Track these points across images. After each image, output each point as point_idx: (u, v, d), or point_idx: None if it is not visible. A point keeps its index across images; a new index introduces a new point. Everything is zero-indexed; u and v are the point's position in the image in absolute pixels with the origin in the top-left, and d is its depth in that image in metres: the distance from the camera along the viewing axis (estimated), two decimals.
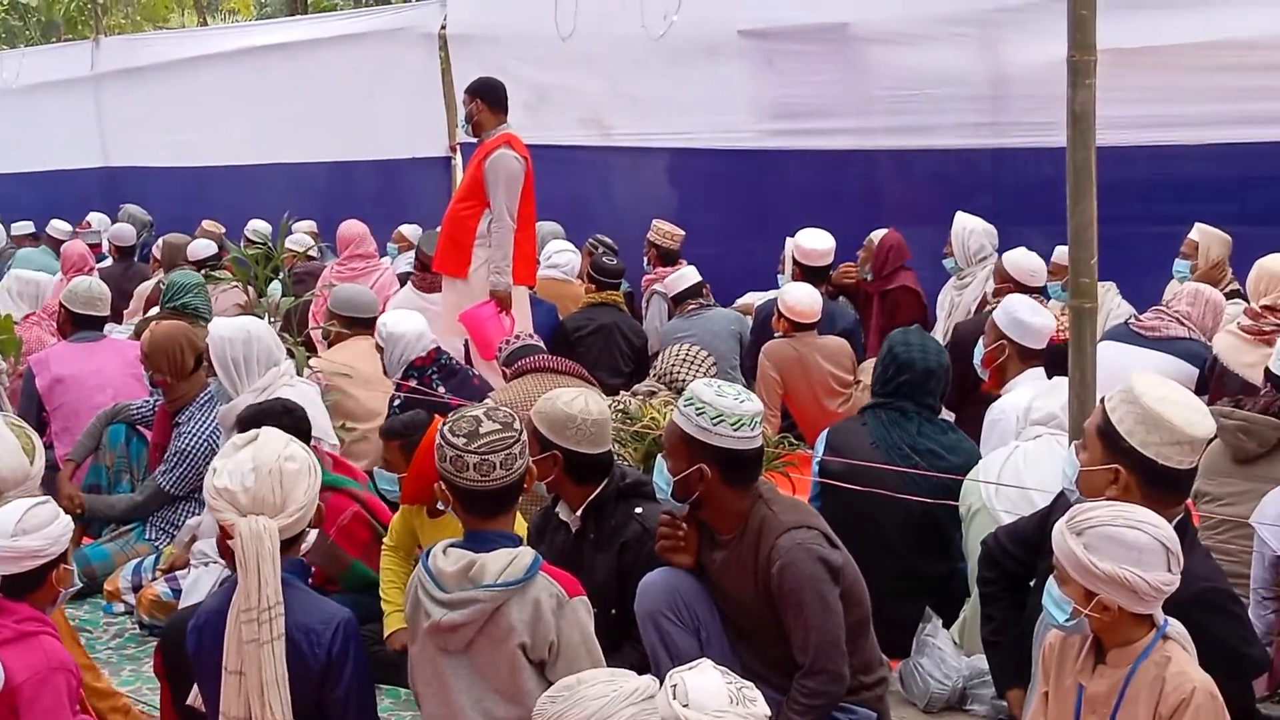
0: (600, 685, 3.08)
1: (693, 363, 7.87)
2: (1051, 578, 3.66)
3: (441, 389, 7.09)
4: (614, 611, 4.77)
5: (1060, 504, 4.26)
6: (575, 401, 4.91)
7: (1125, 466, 3.97)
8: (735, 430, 4.35)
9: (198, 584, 5.85)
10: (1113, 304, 8.68)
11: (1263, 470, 5.23)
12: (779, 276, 9.99)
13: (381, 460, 5.73)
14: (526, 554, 4.00)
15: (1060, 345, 6.09)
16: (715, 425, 4.34)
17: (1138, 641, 3.58)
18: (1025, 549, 4.48)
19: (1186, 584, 3.62)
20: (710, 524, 4.56)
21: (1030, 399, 5.70)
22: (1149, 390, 4.01)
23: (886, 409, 5.72)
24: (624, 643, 4.78)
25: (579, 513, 4.97)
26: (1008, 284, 8.18)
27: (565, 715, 3.05)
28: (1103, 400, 4.12)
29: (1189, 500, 4.26)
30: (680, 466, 4.43)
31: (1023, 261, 8.29)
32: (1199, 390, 6.74)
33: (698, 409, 4.37)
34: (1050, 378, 6.03)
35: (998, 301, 7.78)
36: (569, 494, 4.98)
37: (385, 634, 5.43)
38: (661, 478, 4.50)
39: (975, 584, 4.98)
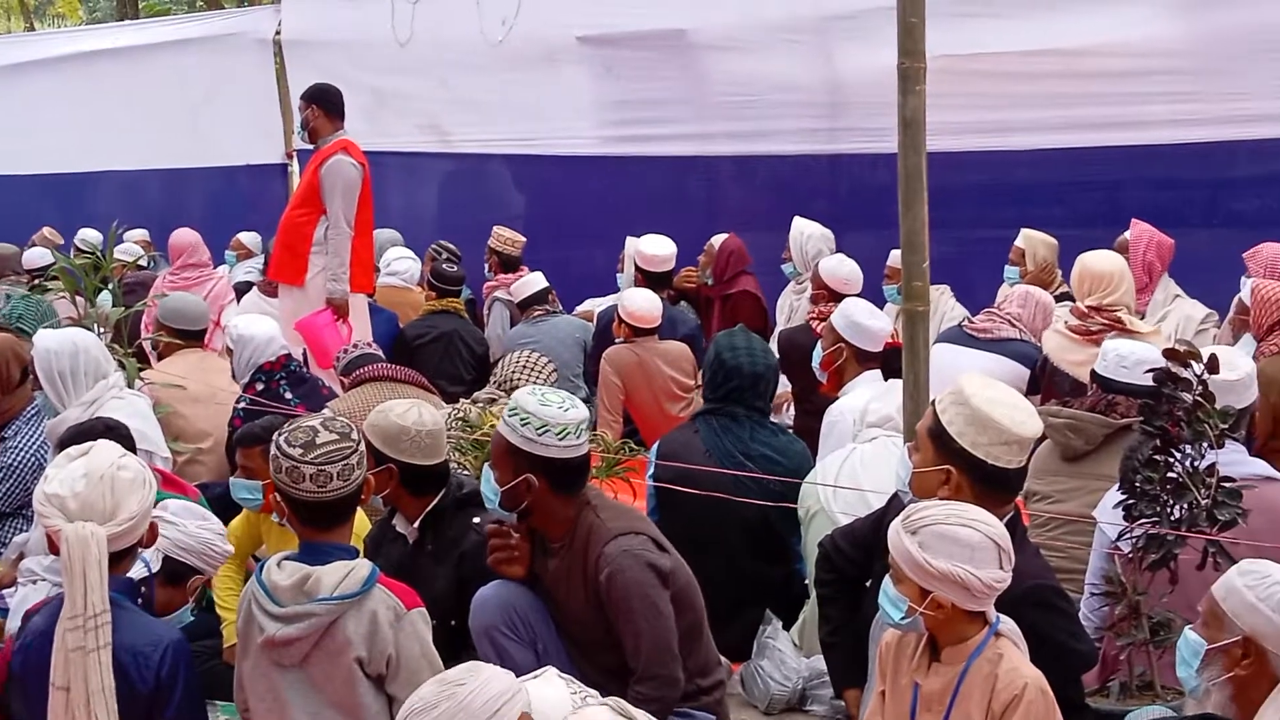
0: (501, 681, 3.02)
1: (533, 369, 7.86)
2: (887, 577, 3.70)
3: (289, 395, 6.99)
4: (453, 623, 4.73)
5: (894, 505, 4.32)
6: (408, 413, 4.86)
7: (957, 467, 4.04)
8: (561, 440, 4.34)
9: (25, 602, 5.67)
10: (947, 306, 8.83)
11: (1090, 468, 5.34)
12: (618, 276, 10.04)
13: (240, 470, 5.59)
14: (364, 566, 3.95)
15: (897, 348, 6.19)
16: (541, 435, 4.32)
17: (971, 639, 3.63)
18: (860, 550, 4.52)
19: (1017, 581, 3.68)
20: (540, 531, 4.54)
21: (867, 401, 5.76)
22: (978, 392, 4.08)
23: (717, 415, 5.74)
24: (463, 654, 4.72)
25: (416, 524, 4.92)
26: (823, 291, 8.26)
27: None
28: (934, 402, 4.18)
29: (1019, 499, 4.33)
30: (507, 477, 4.40)
31: (837, 270, 8.37)
32: (1030, 390, 6.88)
33: (522, 419, 4.34)
34: (886, 380, 6.10)
35: (817, 310, 7.91)
36: (405, 506, 4.93)
37: (225, 645, 5.32)
38: (489, 488, 4.47)
39: (813, 585, 5.02)
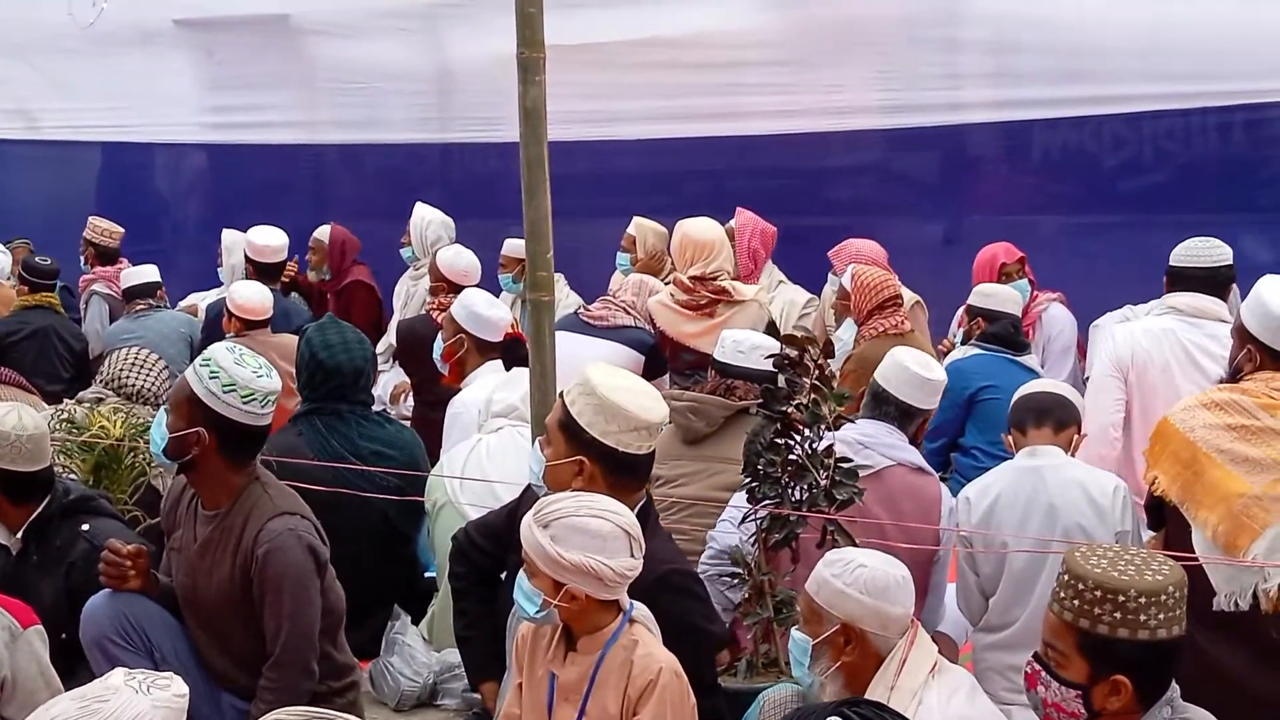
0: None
1: (142, 366, 7.47)
2: (521, 571, 3.69)
3: None
4: (65, 636, 4.48)
5: (528, 497, 4.30)
6: (7, 417, 4.59)
7: (589, 457, 4.06)
8: (245, 403, 4.21)
9: None
10: (562, 294, 8.89)
11: (711, 450, 5.45)
12: (219, 270, 9.78)
13: None
14: None
15: (517, 337, 6.20)
16: (225, 393, 4.19)
17: (606, 628, 3.65)
18: (495, 543, 4.50)
19: (651, 567, 3.73)
20: (198, 492, 4.40)
21: (491, 391, 5.75)
22: (604, 381, 4.12)
23: (320, 414, 5.58)
24: (78, 667, 4.49)
25: (19, 534, 4.65)
26: (442, 283, 8.19)
27: None
28: (561, 395, 4.20)
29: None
30: (179, 425, 4.25)
31: (455, 262, 8.30)
32: (646, 376, 7.01)
33: (212, 372, 4.21)
34: (508, 369, 6.10)
35: (436, 301, 7.85)
36: (6, 515, 4.65)
37: None
38: (158, 431, 4.32)
39: (445, 579, 4.97)
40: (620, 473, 4.08)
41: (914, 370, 5.05)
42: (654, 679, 3.58)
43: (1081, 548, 3.29)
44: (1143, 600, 3.06)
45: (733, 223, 8.55)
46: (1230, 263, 6.03)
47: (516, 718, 3.83)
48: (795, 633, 3.81)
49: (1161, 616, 3.07)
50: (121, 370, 6.38)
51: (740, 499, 4.74)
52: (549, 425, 4.22)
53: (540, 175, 4.65)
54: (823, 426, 4.50)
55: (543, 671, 3.75)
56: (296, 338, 8.19)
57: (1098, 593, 3.08)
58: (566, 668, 3.70)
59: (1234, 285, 6.22)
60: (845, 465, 4.51)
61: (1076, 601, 3.10)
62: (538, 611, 3.64)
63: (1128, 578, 3.09)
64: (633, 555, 3.60)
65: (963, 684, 3.77)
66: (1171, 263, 6.14)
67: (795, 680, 3.94)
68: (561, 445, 4.12)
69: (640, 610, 3.71)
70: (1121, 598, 3.06)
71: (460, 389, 6.22)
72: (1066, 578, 3.15)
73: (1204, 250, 6.02)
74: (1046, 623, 3.22)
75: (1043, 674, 3.18)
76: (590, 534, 3.55)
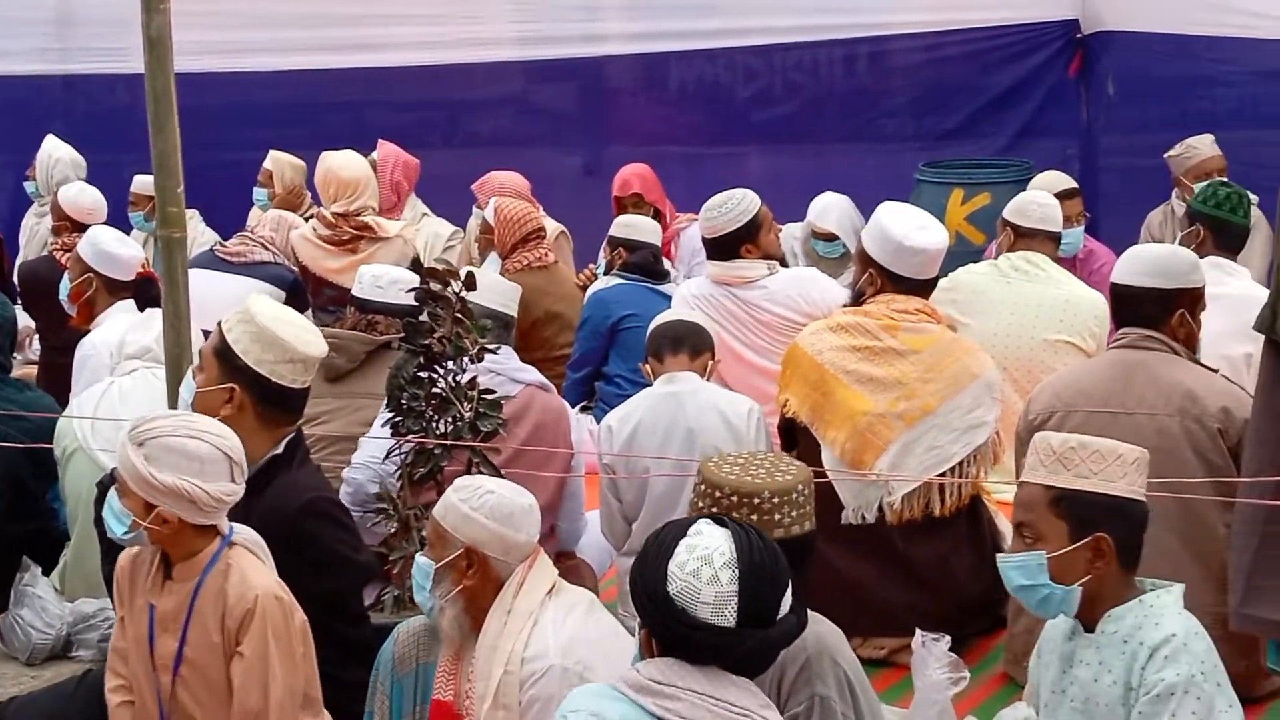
0: None
1: None
2: (113, 490, 3.58)
3: None
4: None
5: None
6: None
7: (240, 384, 4.01)
8: None
9: None
10: (197, 231, 8.65)
11: (354, 386, 5.40)
12: None
13: None
14: None
15: (149, 277, 6.01)
16: None
17: (202, 553, 3.55)
18: None
19: (297, 494, 3.82)
20: None
21: (123, 333, 5.55)
22: (264, 311, 4.10)
23: None
24: None
25: None
26: (65, 222, 7.81)
27: None
28: (220, 324, 4.14)
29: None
30: None
31: (79, 200, 7.88)
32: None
33: None
34: (141, 310, 5.91)
35: (60, 241, 7.52)
36: None
37: None
38: None
39: (76, 528, 4.85)
40: (271, 404, 4.04)
41: (494, 278, 5.18)
42: (251, 608, 3.48)
43: (714, 458, 3.43)
44: (776, 500, 3.24)
45: (374, 155, 8.46)
46: (735, 226, 5.91)
47: (123, 651, 3.72)
48: (419, 557, 3.77)
49: (794, 514, 3.27)
50: None
51: (376, 434, 4.72)
52: (203, 352, 4.15)
53: (168, 107, 4.48)
54: (466, 359, 4.52)
55: (142, 602, 3.64)
56: None
57: (734, 498, 3.24)
58: (164, 597, 3.59)
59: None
60: (489, 397, 4.55)
61: (715, 509, 3.23)
62: (126, 532, 3.53)
63: (760, 481, 3.27)
64: (233, 480, 3.52)
65: (580, 602, 3.75)
66: None
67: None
68: (214, 371, 4.06)
69: (244, 534, 3.62)
70: (757, 500, 3.24)
71: (90, 330, 6.00)
72: (703, 487, 3.30)
73: (706, 216, 6.01)
74: None
75: None
76: (188, 455, 3.46)
